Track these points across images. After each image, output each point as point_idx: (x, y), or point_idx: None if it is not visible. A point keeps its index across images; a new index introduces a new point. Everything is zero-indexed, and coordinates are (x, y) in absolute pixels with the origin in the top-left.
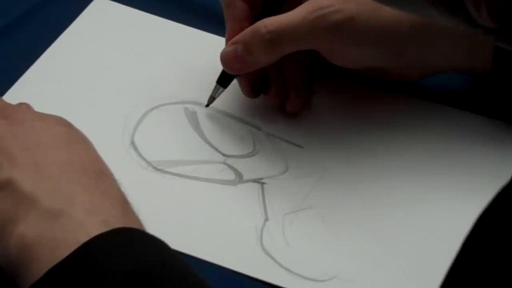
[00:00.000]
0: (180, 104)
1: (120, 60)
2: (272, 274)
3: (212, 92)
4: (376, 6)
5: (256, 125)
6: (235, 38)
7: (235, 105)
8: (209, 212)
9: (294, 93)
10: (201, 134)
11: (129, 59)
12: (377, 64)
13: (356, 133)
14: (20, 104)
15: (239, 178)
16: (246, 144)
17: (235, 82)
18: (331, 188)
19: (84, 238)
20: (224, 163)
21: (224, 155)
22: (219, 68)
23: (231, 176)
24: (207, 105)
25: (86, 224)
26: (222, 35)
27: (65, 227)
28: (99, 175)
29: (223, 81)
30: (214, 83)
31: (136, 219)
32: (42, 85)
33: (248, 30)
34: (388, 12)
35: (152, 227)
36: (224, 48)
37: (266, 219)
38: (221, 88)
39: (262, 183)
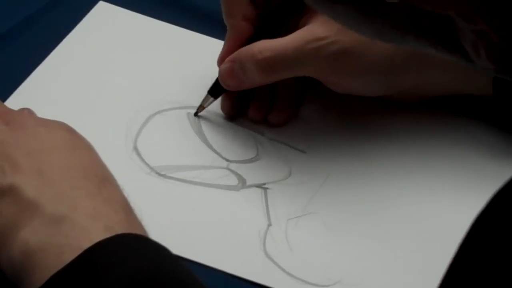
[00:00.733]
0: (183, 109)
1: (123, 64)
2: (275, 279)
3: (202, 102)
4: None
5: (259, 130)
6: (233, 56)
7: None
8: (212, 217)
9: (280, 106)
10: (204, 139)
11: (131, 63)
12: (371, 93)
13: (359, 138)
14: (23, 109)
15: (242, 183)
16: (249, 149)
17: None
18: (334, 193)
19: (87, 244)
20: (227, 168)
21: (227, 160)
22: None
23: (234, 181)
24: (196, 114)
25: (89, 230)
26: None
27: (68, 233)
28: (102, 180)
29: (215, 92)
30: None
31: (139, 224)
32: (45, 90)
33: (245, 51)
34: (383, 44)
35: (155, 232)
36: (223, 63)
37: (269, 224)
38: (212, 98)
39: (265, 188)
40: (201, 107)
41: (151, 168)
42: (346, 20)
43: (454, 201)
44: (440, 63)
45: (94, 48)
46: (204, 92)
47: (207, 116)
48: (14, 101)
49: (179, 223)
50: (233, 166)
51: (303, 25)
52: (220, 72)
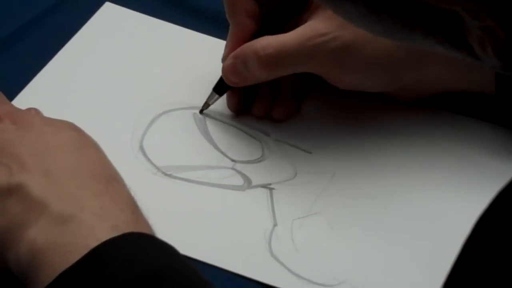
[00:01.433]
0: (189, 109)
1: (129, 65)
2: (280, 279)
3: (207, 99)
4: None
5: (265, 131)
6: (236, 52)
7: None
8: (218, 217)
9: (282, 101)
10: (210, 140)
11: (137, 64)
12: (373, 89)
13: (364, 139)
14: (30, 109)
15: (248, 183)
16: (255, 150)
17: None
18: (340, 193)
19: (94, 243)
20: (233, 168)
21: (232, 160)
22: None
23: (239, 181)
24: (201, 111)
25: (96, 229)
26: None
27: (75, 232)
28: (109, 180)
29: (220, 89)
30: None
31: (146, 224)
32: (52, 90)
33: (247, 47)
34: (384, 39)
35: (161, 232)
36: (226, 60)
37: (275, 224)
38: (217, 96)
39: (271, 189)
40: (206, 105)
41: (157, 168)
42: (355, 18)
43: (459, 200)
44: (441, 58)
45: (100, 48)
46: (209, 92)
47: (213, 116)
48: (21, 101)
49: (185, 223)
50: (238, 166)
51: (305, 21)
52: (223, 69)
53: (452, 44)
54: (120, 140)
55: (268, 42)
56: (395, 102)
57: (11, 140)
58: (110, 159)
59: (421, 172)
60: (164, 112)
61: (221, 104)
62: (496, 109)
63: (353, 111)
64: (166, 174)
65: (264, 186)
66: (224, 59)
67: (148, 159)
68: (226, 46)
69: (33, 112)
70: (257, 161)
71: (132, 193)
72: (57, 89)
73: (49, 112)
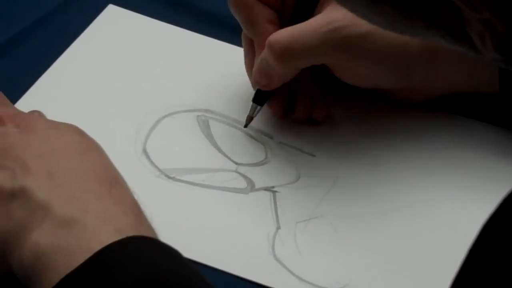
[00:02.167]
0: (192, 112)
1: (132, 67)
2: (284, 282)
3: (249, 112)
4: None
5: (268, 134)
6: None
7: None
8: (221, 220)
9: (320, 103)
10: (213, 142)
11: (141, 66)
12: (383, 84)
13: (367, 142)
14: (33, 111)
15: (251, 186)
16: (258, 152)
17: (243, 85)
18: (343, 196)
19: (97, 246)
20: (236, 171)
21: (236, 163)
22: (230, 76)
23: (243, 184)
24: (246, 126)
25: (100, 232)
26: (234, 43)
27: (78, 235)
28: (112, 182)
29: (259, 99)
30: (226, 91)
31: (149, 227)
32: (55, 93)
33: (265, 45)
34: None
35: (165, 235)
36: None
37: (278, 227)
38: (258, 107)
39: (274, 192)
40: (249, 118)
41: (160, 171)
42: (359, 9)
43: (464, 204)
44: (450, 57)
45: (103, 51)
46: (212, 95)
47: (216, 119)
48: (24, 104)
49: (188, 226)
50: (242, 169)
51: (319, 13)
52: (253, 75)
53: (453, 37)
54: (123, 142)
55: (282, 34)
56: (399, 105)
57: (15, 143)
58: (113, 162)
59: (426, 175)
60: (168, 115)
61: (224, 107)
62: (501, 111)
63: (357, 114)
64: (169, 177)
65: (267, 189)
66: (249, 68)
67: (151, 162)
68: (254, 55)
69: (37, 115)
70: (260, 164)
71: (135, 196)
72: (60, 91)
73: (52, 114)
